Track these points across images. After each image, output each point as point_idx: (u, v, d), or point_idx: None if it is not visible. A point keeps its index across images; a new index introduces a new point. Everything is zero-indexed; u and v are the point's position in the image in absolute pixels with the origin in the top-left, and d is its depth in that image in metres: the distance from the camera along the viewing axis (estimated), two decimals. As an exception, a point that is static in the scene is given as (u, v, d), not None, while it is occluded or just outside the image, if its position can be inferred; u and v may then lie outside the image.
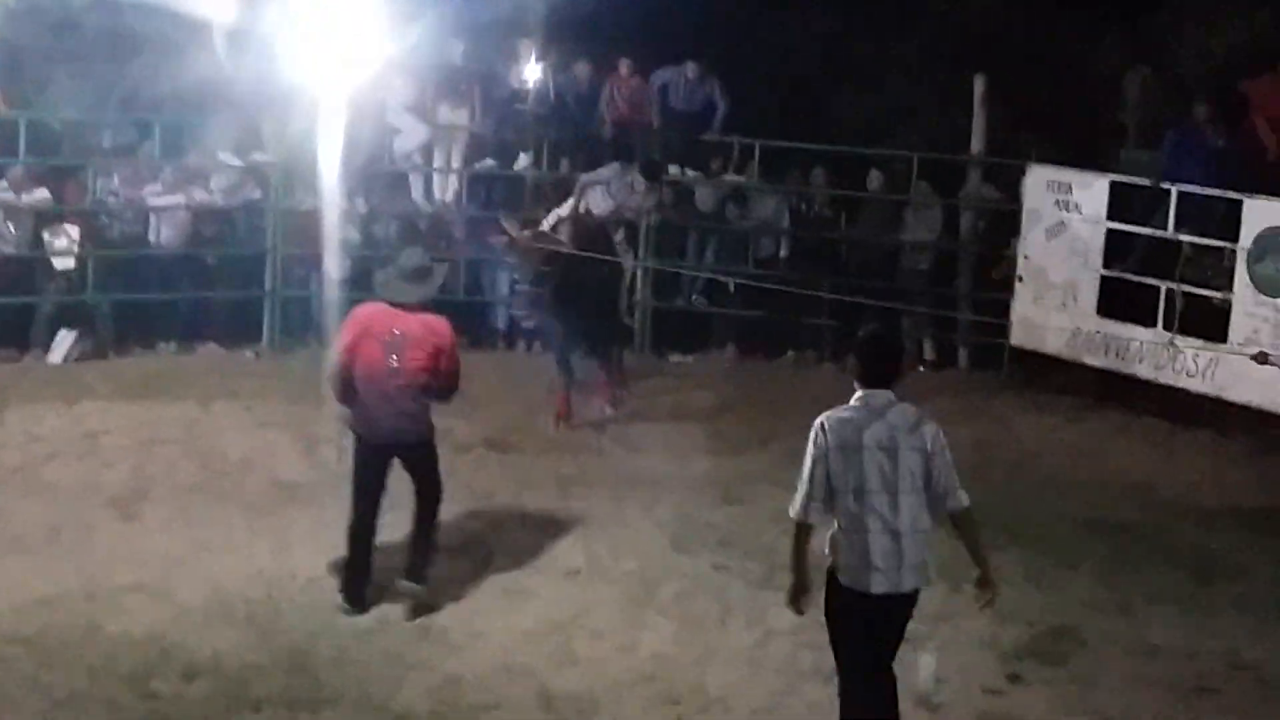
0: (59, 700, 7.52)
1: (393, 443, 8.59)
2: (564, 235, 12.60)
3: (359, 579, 8.63)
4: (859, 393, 6.64)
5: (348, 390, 8.61)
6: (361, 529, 8.64)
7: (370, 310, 8.70)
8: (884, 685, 6.70)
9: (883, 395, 6.60)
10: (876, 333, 6.94)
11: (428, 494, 8.74)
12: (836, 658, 6.78)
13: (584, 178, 13.64)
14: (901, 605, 6.67)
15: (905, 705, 6.96)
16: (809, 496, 6.55)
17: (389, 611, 8.61)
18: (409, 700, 7.70)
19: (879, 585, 6.52)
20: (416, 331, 8.53)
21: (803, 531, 6.61)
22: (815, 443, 6.56)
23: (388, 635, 8.36)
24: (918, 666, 7.66)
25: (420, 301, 8.65)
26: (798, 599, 6.71)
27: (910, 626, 7.93)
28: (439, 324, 8.64)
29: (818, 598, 6.73)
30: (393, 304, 8.64)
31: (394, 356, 8.47)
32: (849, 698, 6.71)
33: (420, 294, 8.67)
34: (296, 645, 8.16)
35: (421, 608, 8.57)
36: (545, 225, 12.80)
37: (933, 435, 6.58)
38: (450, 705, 7.67)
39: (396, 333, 8.50)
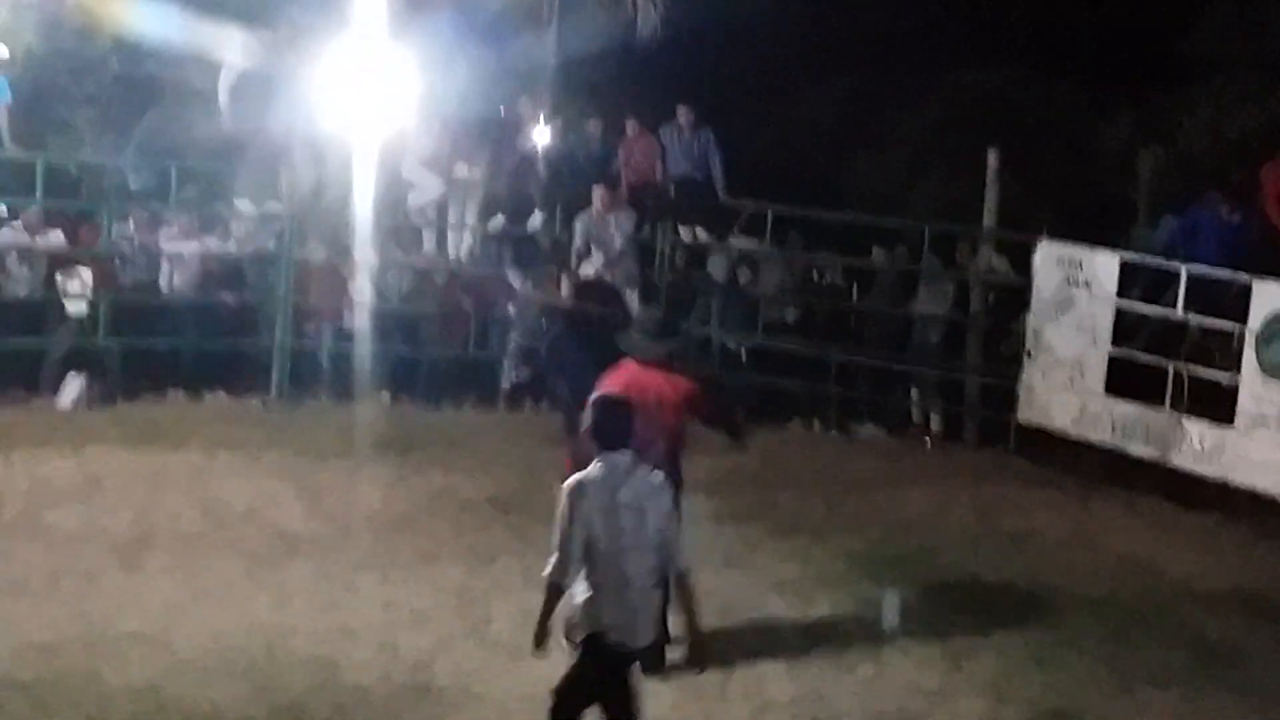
0: (55, 748, 7.49)
1: None
2: (565, 292, 12.62)
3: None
4: (601, 457, 6.77)
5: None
6: None
7: (625, 370, 8.71)
8: None
9: (624, 457, 6.76)
10: (610, 399, 7.12)
11: None
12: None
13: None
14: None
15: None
16: (568, 558, 6.70)
17: (390, 669, 8.59)
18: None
19: (618, 637, 6.71)
20: (665, 390, 8.62)
21: (554, 594, 6.78)
22: (574, 505, 6.68)
23: (386, 692, 8.32)
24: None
25: (666, 356, 8.78)
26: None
27: (908, 703, 7.90)
28: (681, 381, 8.75)
29: None
30: (642, 362, 8.72)
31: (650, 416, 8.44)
32: None
33: (666, 349, 8.81)
34: (294, 701, 8.11)
35: None
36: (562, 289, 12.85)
37: (671, 497, 6.88)
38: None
39: (651, 394, 8.51)
